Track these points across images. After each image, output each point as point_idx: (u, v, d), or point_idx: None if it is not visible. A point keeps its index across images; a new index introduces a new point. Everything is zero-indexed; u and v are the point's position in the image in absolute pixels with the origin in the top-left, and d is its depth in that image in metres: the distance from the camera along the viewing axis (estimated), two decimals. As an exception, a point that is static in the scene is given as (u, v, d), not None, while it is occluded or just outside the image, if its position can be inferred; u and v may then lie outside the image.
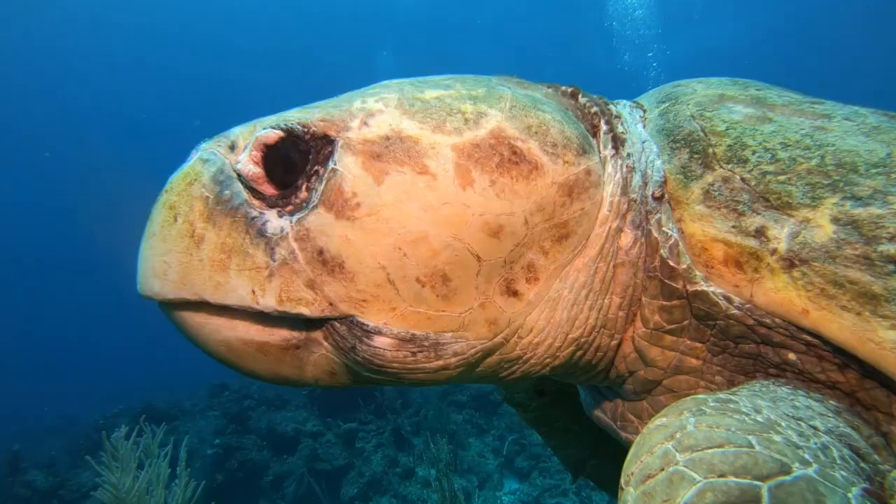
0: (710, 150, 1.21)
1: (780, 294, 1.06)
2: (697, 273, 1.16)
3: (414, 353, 1.07)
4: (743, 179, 1.15)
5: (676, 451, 0.80)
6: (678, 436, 0.83)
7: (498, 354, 1.16)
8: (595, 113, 1.30)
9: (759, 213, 1.11)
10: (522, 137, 1.09)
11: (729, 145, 1.20)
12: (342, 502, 8.81)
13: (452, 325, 1.07)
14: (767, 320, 1.11)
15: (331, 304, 1.03)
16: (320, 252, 1.02)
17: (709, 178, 1.19)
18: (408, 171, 1.02)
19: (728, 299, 1.13)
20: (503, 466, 9.50)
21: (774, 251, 1.08)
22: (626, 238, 1.20)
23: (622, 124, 1.32)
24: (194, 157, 1.13)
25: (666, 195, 1.23)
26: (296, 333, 1.09)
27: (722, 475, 0.74)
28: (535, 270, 1.11)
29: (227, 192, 1.07)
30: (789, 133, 1.19)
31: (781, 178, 1.12)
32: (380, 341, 1.05)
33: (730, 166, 1.18)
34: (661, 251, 1.20)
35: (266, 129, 1.07)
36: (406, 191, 1.01)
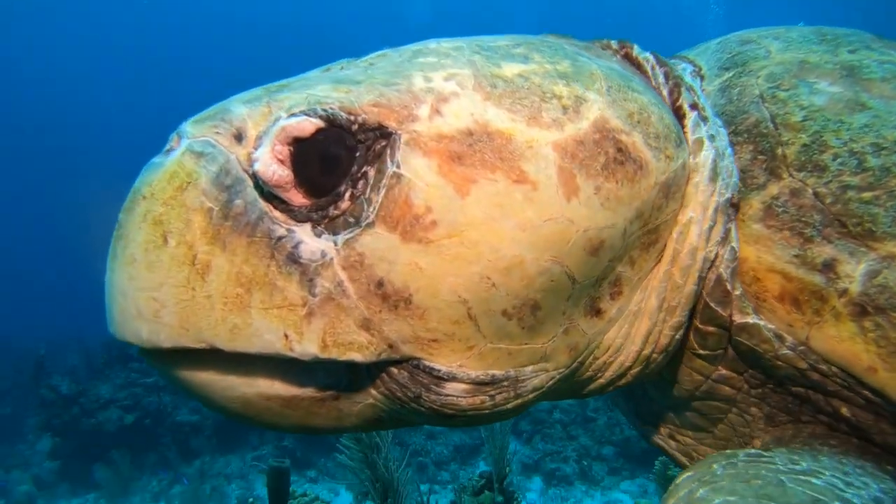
0: (780, 150, 1.00)
1: (843, 345, 0.91)
2: (749, 303, 0.99)
3: (493, 397, 0.88)
4: (816, 195, 0.95)
5: None
6: None
7: (567, 381, 0.99)
8: (675, 84, 1.07)
9: (830, 242, 0.93)
10: (626, 129, 0.88)
11: (804, 145, 0.98)
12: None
13: (534, 358, 0.89)
14: (823, 367, 0.96)
15: (390, 346, 0.81)
16: (379, 284, 0.78)
17: (773, 189, 0.99)
18: (501, 179, 0.79)
19: (780, 338, 0.97)
20: (504, 427, 9.54)
21: (844, 292, 0.91)
22: (712, 249, 1.00)
23: (698, 99, 1.09)
24: (180, 147, 0.81)
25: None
26: (334, 382, 0.86)
27: None
28: (620, 284, 0.94)
29: (237, 200, 0.78)
30: (887, 129, 0.97)
31: (867, 195, 0.93)
32: (453, 388, 0.85)
33: (802, 175, 0.97)
34: (721, 269, 1.00)
35: (297, 116, 0.78)
36: (499, 205, 0.78)
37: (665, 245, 0.98)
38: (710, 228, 0.98)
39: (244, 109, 0.82)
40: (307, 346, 0.78)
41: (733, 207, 1.01)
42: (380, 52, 0.96)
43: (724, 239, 1.00)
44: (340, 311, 0.78)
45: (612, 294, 0.93)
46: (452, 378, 0.84)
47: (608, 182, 0.85)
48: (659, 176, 0.91)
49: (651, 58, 1.11)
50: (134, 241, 0.79)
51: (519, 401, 0.92)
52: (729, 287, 0.99)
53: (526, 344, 0.87)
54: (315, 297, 0.78)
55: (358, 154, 0.79)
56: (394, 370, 0.85)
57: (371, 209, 0.78)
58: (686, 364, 1.09)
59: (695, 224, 0.97)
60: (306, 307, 0.77)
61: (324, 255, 0.78)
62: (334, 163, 0.79)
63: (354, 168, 0.79)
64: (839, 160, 0.96)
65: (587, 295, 0.90)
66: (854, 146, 0.96)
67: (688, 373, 1.10)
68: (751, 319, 0.98)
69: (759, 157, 1.02)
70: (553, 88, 0.86)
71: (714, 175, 0.99)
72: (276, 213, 0.79)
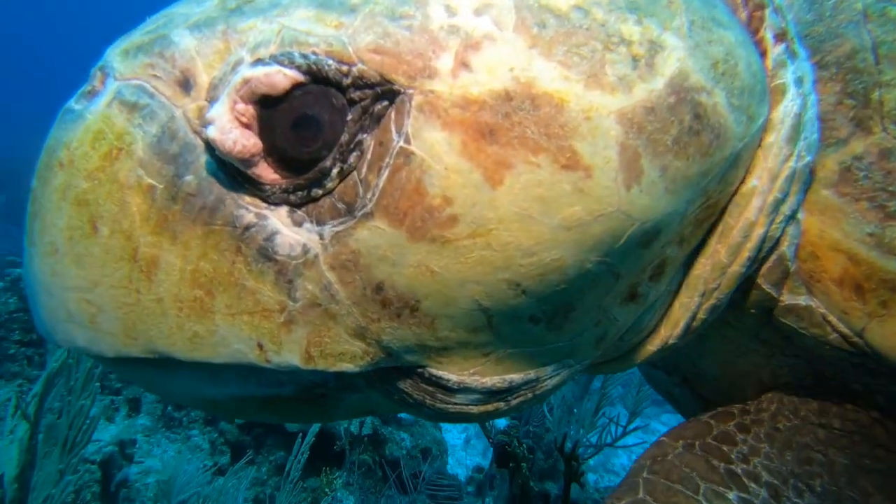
0: (876, 93, 0.78)
1: None
2: (800, 282, 0.84)
3: (508, 402, 0.76)
4: None
5: None
6: None
7: (596, 365, 0.88)
8: (757, 3, 0.82)
9: None
10: (708, 86, 0.67)
11: None
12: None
13: (557, 356, 0.76)
14: (873, 364, 0.83)
15: (390, 355, 0.67)
16: (378, 288, 0.62)
17: (857, 146, 0.78)
18: (546, 164, 0.59)
19: (829, 324, 0.84)
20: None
21: None
22: (779, 227, 0.82)
23: (786, 23, 0.85)
24: (105, 92, 0.60)
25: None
26: (320, 381, 0.72)
27: None
28: (664, 265, 0.77)
29: (188, 177, 0.59)
30: None
31: None
32: (464, 398, 0.73)
33: None
34: (785, 248, 0.84)
35: (266, 65, 0.56)
36: (541, 198, 0.59)
37: (719, 217, 0.81)
38: (779, 202, 0.80)
39: (191, 42, 0.59)
40: (287, 358, 0.63)
41: (812, 174, 0.82)
42: None
43: (790, 211, 0.82)
44: (328, 319, 0.62)
45: (653, 276, 0.77)
46: (464, 388, 0.71)
47: (677, 160, 0.65)
48: (737, 143, 0.71)
49: None
50: (54, 225, 0.60)
51: (535, 400, 0.80)
52: (790, 266, 0.84)
53: (551, 344, 0.73)
54: (296, 301, 0.61)
55: (350, 117, 0.58)
56: (393, 375, 0.71)
57: (369, 195, 0.59)
58: (717, 331, 0.97)
59: (757, 196, 0.79)
60: (285, 313, 0.62)
61: (306, 250, 0.61)
62: (318, 127, 0.58)
63: (345, 136, 0.58)
64: None
65: (628, 286, 0.75)
66: None
67: (718, 339, 0.99)
68: (802, 301, 0.84)
69: (847, 101, 0.80)
70: (621, 29, 0.63)
71: (795, 134, 0.79)
72: (242, 195, 0.60)
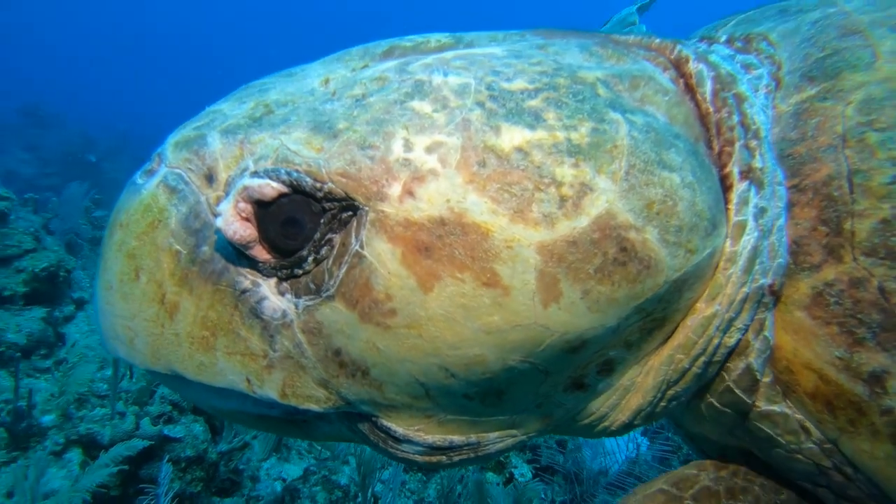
0: (849, 223, 0.79)
1: (877, 463, 0.80)
2: (778, 391, 0.88)
3: (450, 458, 0.88)
4: (883, 290, 0.77)
5: None
6: None
7: (548, 433, 0.96)
8: (726, 141, 0.87)
9: (886, 350, 0.77)
10: (637, 225, 0.75)
11: (883, 221, 0.77)
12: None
13: (500, 426, 0.86)
14: (849, 470, 0.85)
15: (348, 403, 0.81)
16: (337, 352, 0.76)
17: (829, 273, 0.80)
18: (469, 281, 0.70)
19: (806, 431, 0.87)
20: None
21: (889, 411, 0.77)
22: (734, 336, 0.88)
23: (757, 154, 0.88)
24: (157, 174, 0.79)
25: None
26: (302, 412, 0.86)
27: None
28: (611, 364, 0.85)
29: (204, 247, 0.77)
30: None
31: None
32: (408, 448, 0.85)
33: (869, 262, 0.78)
34: (751, 360, 0.88)
35: (260, 178, 0.72)
36: (463, 306, 0.71)
37: (675, 329, 0.87)
38: (733, 319, 0.86)
39: (219, 146, 0.77)
40: (267, 392, 0.79)
41: (773, 295, 0.86)
42: (381, 72, 0.83)
43: (759, 328, 0.87)
44: (299, 369, 0.78)
45: (601, 372, 0.86)
46: (408, 440, 0.84)
47: (601, 285, 0.74)
48: (672, 274, 0.78)
49: (709, 82, 0.88)
50: (111, 268, 0.80)
51: (480, 460, 0.90)
52: (759, 377, 0.88)
53: (491, 416, 0.84)
54: (275, 352, 0.78)
55: (323, 221, 0.73)
56: (355, 417, 0.86)
57: (332, 282, 0.74)
58: (698, 419, 1.02)
59: (717, 318, 0.85)
60: (267, 359, 0.78)
61: (285, 315, 0.76)
62: (299, 225, 0.74)
63: (318, 235, 0.74)
64: None
65: (567, 378, 0.84)
66: None
67: (700, 423, 1.04)
68: (778, 408, 0.88)
69: (821, 227, 0.82)
70: (555, 171, 0.73)
71: (750, 264, 0.84)
72: (242, 266, 0.77)
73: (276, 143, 0.74)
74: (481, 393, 0.79)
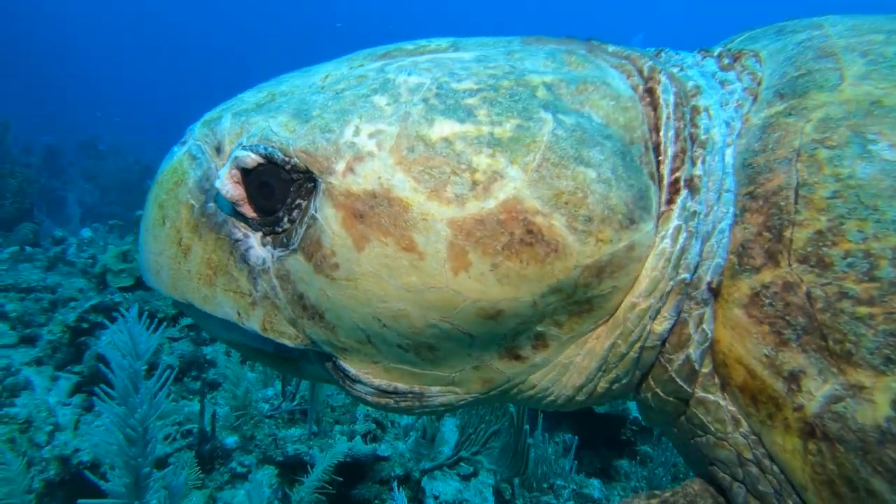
0: (789, 231, 0.85)
1: (785, 455, 0.85)
2: (715, 382, 0.95)
3: (397, 402, 1.02)
4: (809, 296, 0.82)
5: None
6: None
7: (493, 399, 1.07)
8: (680, 149, 0.95)
9: (805, 352, 0.82)
10: (544, 211, 0.85)
11: (818, 232, 0.83)
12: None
13: (440, 382, 0.99)
14: (767, 462, 0.90)
15: (313, 342, 0.97)
16: (300, 297, 0.93)
17: (766, 276, 0.86)
18: (391, 244, 0.85)
19: (735, 422, 0.93)
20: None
21: (800, 408, 0.82)
22: (663, 325, 0.96)
23: (703, 146, 0.96)
24: (186, 145, 1.01)
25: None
26: (287, 350, 1.04)
27: None
28: (544, 339, 0.96)
29: (211, 204, 0.97)
30: None
31: (862, 310, 0.78)
32: (361, 388, 1.00)
33: (801, 269, 0.83)
34: (691, 351, 0.95)
35: (245, 150, 0.91)
36: (387, 265, 0.86)
37: (612, 314, 0.96)
38: (661, 308, 0.95)
39: (227, 124, 0.98)
40: (252, 325, 0.98)
41: (711, 292, 0.94)
42: (366, 71, 0.99)
43: (698, 321, 0.95)
44: (274, 308, 0.96)
45: (535, 346, 0.96)
46: (359, 381, 0.99)
47: (508, 261, 0.85)
48: (583, 259, 0.87)
49: (671, 96, 0.97)
50: (149, 215, 1.03)
51: (427, 409, 1.03)
52: (697, 367, 0.96)
53: (430, 370, 0.97)
54: (257, 292, 0.96)
55: (292, 189, 0.91)
56: (324, 357, 1.01)
57: (296, 238, 0.91)
58: (648, 412, 1.10)
59: (649, 307, 0.94)
60: (251, 297, 0.96)
61: (264, 262, 0.95)
62: (272, 189, 0.92)
63: (289, 199, 0.92)
64: (849, 260, 0.80)
65: (497, 345, 0.94)
66: (873, 246, 0.79)
67: (654, 419, 1.12)
68: (712, 397, 0.95)
69: (765, 233, 0.88)
70: (472, 159, 0.85)
71: (678, 262, 0.92)
72: (237, 222, 0.96)
73: (265, 124, 0.93)
74: (413, 345, 0.92)
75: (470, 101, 0.90)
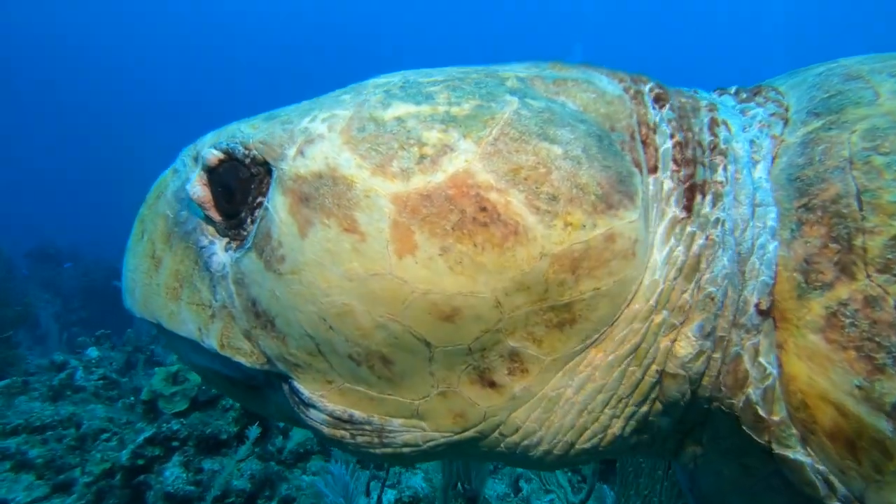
0: (860, 239, 0.76)
1: None
2: (793, 433, 0.77)
3: (353, 436, 0.88)
4: None
5: None
6: None
7: (472, 448, 0.90)
8: (679, 143, 0.89)
9: None
10: (500, 186, 0.76)
11: (894, 238, 0.74)
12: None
13: (403, 412, 0.85)
14: None
15: (268, 360, 0.87)
16: (254, 302, 0.85)
17: (842, 291, 0.75)
18: (333, 225, 0.78)
19: (829, 485, 0.75)
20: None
21: None
22: (685, 347, 0.82)
23: (724, 154, 0.89)
24: (174, 162, 1.00)
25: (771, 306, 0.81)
26: (251, 377, 0.96)
27: None
28: (521, 361, 0.81)
29: (184, 212, 0.94)
30: None
31: None
32: (315, 415, 0.88)
33: (883, 279, 0.73)
34: (750, 391, 0.81)
35: (209, 148, 0.89)
36: (329, 250, 0.78)
37: (604, 332, 0.82)
38: (678, 326, 0.83)
39: (208, 136, 0.97)
40: (210, 341, 0.90)
41: (762, 315, 0.81)
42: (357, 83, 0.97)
43: (753, 353, 0.82)
44: (231, 319, 0.89)
45: (512, 370, 0.82)
46: (313, 405, 0.87)
47: (461, 244, 0.74)
48: (550, 246, 0.76)
49: (669, 122, 0.91)
50: (132, 233, 1.02)
51: (389, 450, 0.88)
52: (762, 412, 0.80)
53: (389, 395, 0.84)
54: (217, 302, 0.90)
55: (253, 186, 0.87)
56: (281, 381, 0.91)
57: (250, 235, 0.86)
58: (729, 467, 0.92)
59: (653, 314, 0.82)
60: (211, 309, 0.90)
61: (224, 267, 0.89)
62: (236, 191, 0.88)
63: (250, 198, 0.87)
64: None
65: (464, 363, 0.81)
66: None
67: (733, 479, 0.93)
68: (792, 454, 0.78)
69: (832, 245, 0.78)
70: (423, 135, 0.79)
71: (692, 272, 0.82)
72: (206, 226, 0.92)
73: (235, 127, 0.92)
74: (365, 355, 0.81)
75: (432, 88, 0.86)
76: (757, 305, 0.82)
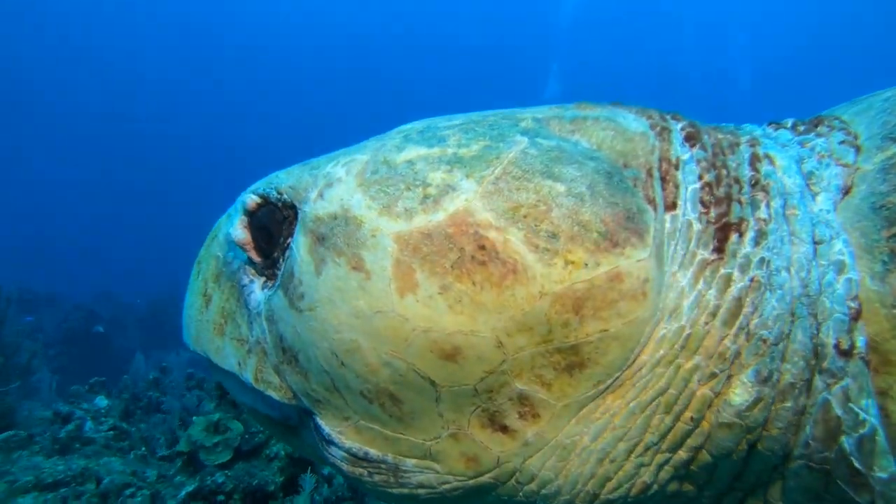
0: None
1: None
2: None
3: (371, 474, 0.88)
4: None
5: None
6: None
7: (492, 496, 0.88)
8: (728, 184, 0.85)
9: None
10: (499, 224, 0.75)
11: None
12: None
13: (416, 452, 0.85)
14: None
15: (294, 395, 0.91)
16: (281, 338, 0.90)
17: None
18: (343, 264, 0.81)
19: None
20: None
21: None
22: (741, 395, 0.77)
23: (766, 190, 0.85)
24: (231, 207, 1.08)
25: (864, 350, 0.74)
26: (287, 416, 1.00)
27: None
28: (531, 405, 0.79)
29: (231, 254, 1.02)
30: None
31: None
32: (335, 451, 0.89)
33: None
34: (844, 441, 0.74)
35: (250, 194, 0.97)
36: (339, 288, 0.81)
37: (617, 377, 0.78)
38: (718, 373, 0.78)
39: (258, 182, 1.04)
40: (247, 375, 0.96)
41: (844, 356, 0.75)
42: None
43: (844, 398, 0.76)
44: (264, 355, 0.94)
45: (522, 414, 0.80)
46: (331, 442, 0.89)
47: (459, 283, 0.74)
48: (550, 285, 0.74)
49: (698, 161, 0.88)
50: (191, 272, 1.11)
51: (405, 490, 0.88)
52: (858, 465, 0.74)
53: (402, 434, 0.84)
54: (252, 337, 0.96)
55: (284, 227, 0.93)
56: (308, 418, 0.94)
57: (280, 275, 0.91)
58: None
59: (681, 357, 0.78)
60: (248, 344, 0.96)
61: (259, 305, 0.95)
62: (272, 233, 0.95)
63: (282, 239, 0.93)
64: None
65: (472, 404, 0.80)
66: None
67: None
68: None
69: None
70: (428, 175, 0.81)
71: (733, 317, 0.77)
72: (248, 267, 0.99)
73: (276, 173, 1.00)
74: (375, 393, 0.82)
75: (447, 131, 0.89)
76: (836, 346, 0.76)
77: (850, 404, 0.75)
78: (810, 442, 0.77)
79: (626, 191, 0.80)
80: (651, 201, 0.81)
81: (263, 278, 0.95)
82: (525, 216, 0.76)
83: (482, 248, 0.75)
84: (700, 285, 0.80)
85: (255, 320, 0.94)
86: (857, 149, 0.90)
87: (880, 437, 0.73)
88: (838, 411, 0.76)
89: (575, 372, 0.77)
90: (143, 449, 5.03)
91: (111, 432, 5.14)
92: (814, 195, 0.87)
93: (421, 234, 0.77)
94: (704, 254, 0.81)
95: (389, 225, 0.79)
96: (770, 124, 1.06)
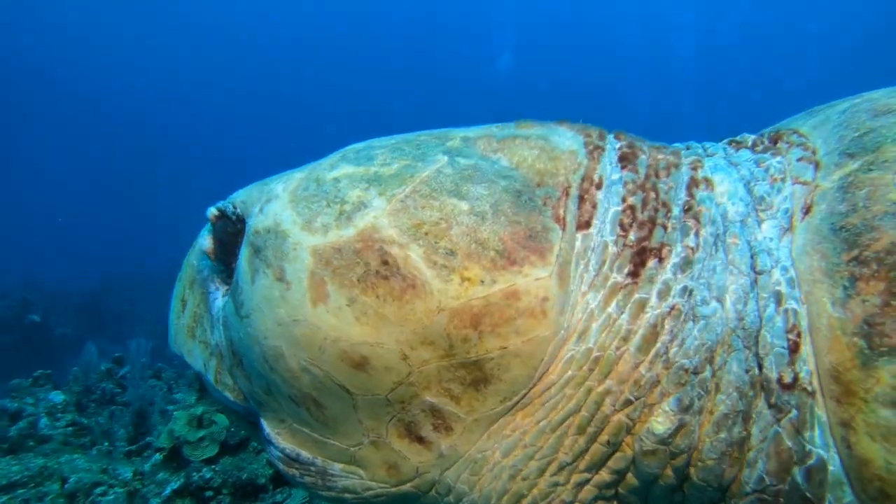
0: None
1: None
2: None
3: (302, 475, 0.93)
4: None
5: None
6: None
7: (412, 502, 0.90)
8: (653, 209, 0.86)
9: None
10: (401, 241, 0.78)
11: None
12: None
13: (342, 457, 0.88)
14: None
15: (244, 397, 0.97)
16: (231, 342, 0.96)
17: None
18: (270, 274, 0.86)
19: None
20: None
21: None
22: (663, 423, 0.77)
23: (698, 217, 0.84)
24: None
25: (808, 381, 0.73)
26: (249, 411, 1.04)
27: None
28: (443, 418, 0.81)
29: (203, 262, 1.08)
30: None
31: None
32: (272, 451, 0.95)
33: None
34: (795, 472, 0.73)
35: (211, 207, 1.04)
36: (266, 297, 0.86)
37: (533, 391, 0.80)
38: (632, 401, 0.78)
39: (237, 195, 1.09)
40: (209, 376, 1.03)
41: (786, 389, 0.74)
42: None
43: (793, 429, 0.75)
44: (220, 357, 1.00)
45: (436, 426, 0.82)
46: (270, 442, 0.94)
47: (365, 295, 0.78)
48: (447, 301, 0.76)
49: (625, 183, 0.88)
50: (177, 278, 1.18)
51: (332, 493, 0.91)
52: (810, 496, 0.73)
53: (328, 438, 0.88)
54: (213, 341, 1.02)
55: (239, 239, 0.98)
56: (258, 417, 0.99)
57: (232, 283, 0.96)
58: None
59: (591, 379, 0.79)
60: (210, 347, 1.03)
61: (219, 311, 1.01)
62: (227, 244, 1.01)
63: (237, 249, 0.98)
64: None
65: (387, 413, 0.83)
66: None
67: None
68: None
69: (894, 302, 0.69)
70: (348, 193, 0.84)
71: (649, 344, 0.78)
72: (214, 274, 1.06)
73: (238, 190, 1.05)
74: (300, 397, 0.86)
75: (378, 150, 0.93)
76: (779, 380, 0.75)
77: (799, 437, 0.74)
78: (764, 477, 0.76)
79: (532, 209, 0.81)
80: (560, 220, 0.82)
81: (226, 286, 1.01)
82: (426, 233, 0.79)
83: (385, 263, 0.79)
84: (611, 308, 0.80)
85: (216, 325, 1.00)
86: (816, 164, 0.87)
87: (834, 468, 0.72)
88: (789, 443, 0.75)
89: (481, 387, 0.79)
90: (106, 444, 4.71)
91: (69, 428, 4.76)
92: (760, 222, 0.85)
93: (332, 249, 0.81)
94: (618, 277, 0.81)
95: (308, 239, 0.84)
96: (731, 142, 1.03)
